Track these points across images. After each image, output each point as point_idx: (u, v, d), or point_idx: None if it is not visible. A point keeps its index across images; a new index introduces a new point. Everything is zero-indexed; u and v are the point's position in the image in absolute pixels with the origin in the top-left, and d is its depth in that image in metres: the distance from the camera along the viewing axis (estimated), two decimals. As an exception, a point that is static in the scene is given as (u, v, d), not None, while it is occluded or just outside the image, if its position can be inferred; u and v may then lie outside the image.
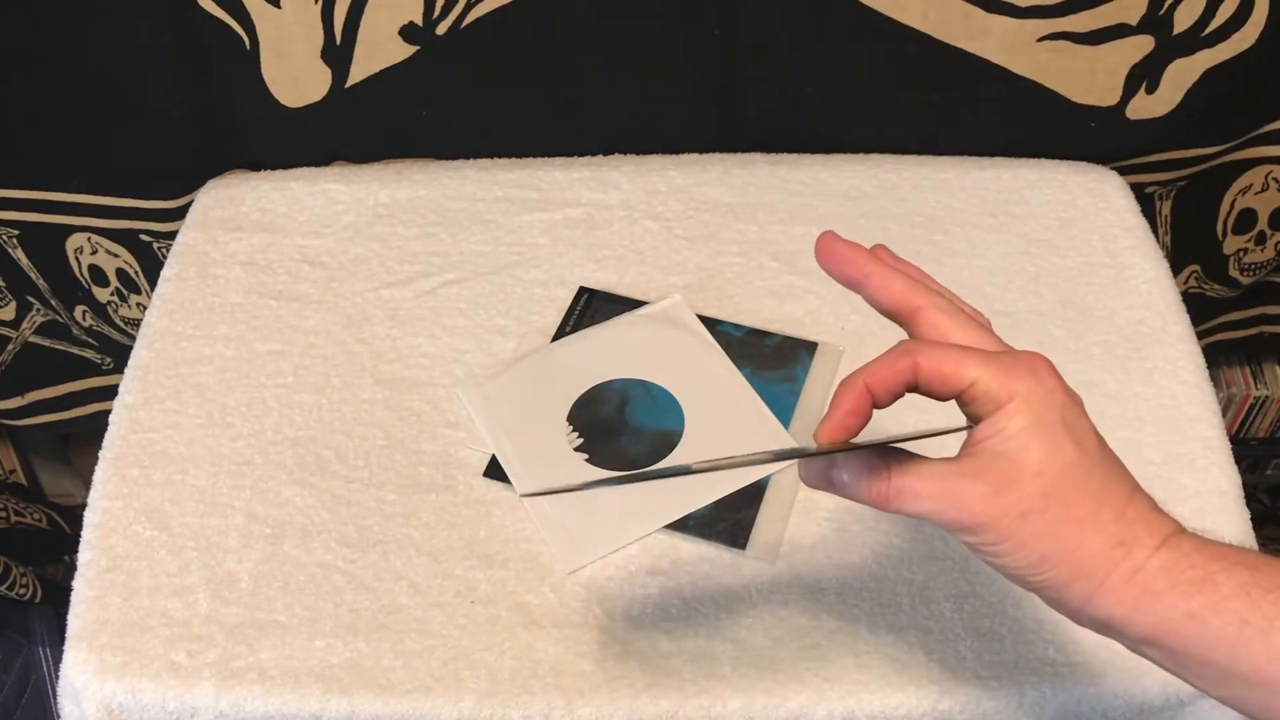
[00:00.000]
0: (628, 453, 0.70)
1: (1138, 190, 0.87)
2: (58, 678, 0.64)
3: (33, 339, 1.05)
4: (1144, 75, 0.82)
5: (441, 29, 0.80)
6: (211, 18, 0.79)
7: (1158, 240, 0.83)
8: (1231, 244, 0.96)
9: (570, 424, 0.72)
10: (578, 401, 0.73)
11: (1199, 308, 1.00)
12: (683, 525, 0.66)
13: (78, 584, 0.65)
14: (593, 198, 0.85)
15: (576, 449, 0.70)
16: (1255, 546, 0.64)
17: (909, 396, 0.45)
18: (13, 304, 1.02)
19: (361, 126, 0.88)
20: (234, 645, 0.62)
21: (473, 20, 0.80)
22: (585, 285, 0.80)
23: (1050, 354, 0.45)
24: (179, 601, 0.64)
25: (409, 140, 0.89)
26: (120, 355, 1.01)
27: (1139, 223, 0.83)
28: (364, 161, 0.90)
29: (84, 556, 0.66)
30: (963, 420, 0.45)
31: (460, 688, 0.60)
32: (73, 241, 0.95)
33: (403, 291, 0.80)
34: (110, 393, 0.76)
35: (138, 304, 1.00)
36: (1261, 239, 0.95)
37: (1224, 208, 0.94)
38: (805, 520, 0.67)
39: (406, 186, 0.87)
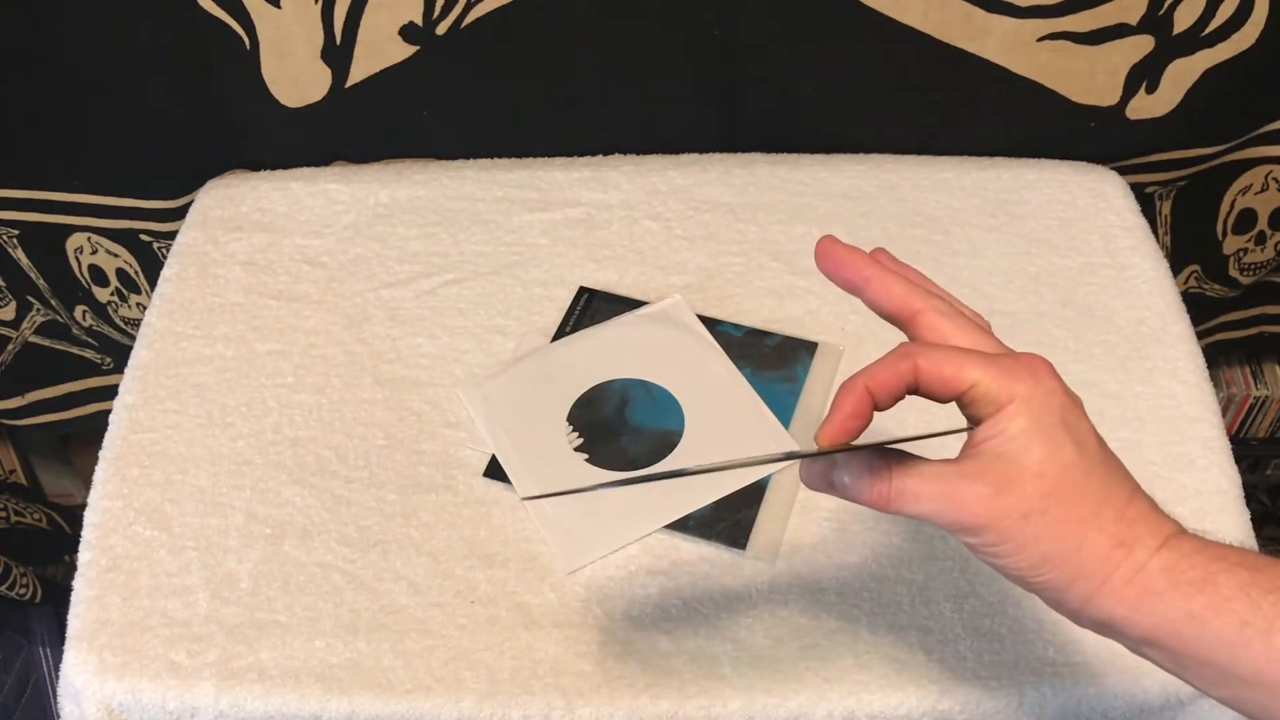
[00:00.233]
0: (628, 453, 0.70)
1: (1138, 190, 0.87)
2: (58, 678, 0.64)
3: (33, 339, 1.05)
4: (1144, 75, 0.82)
5: (441, 29, 0.80)
6: (211, 18, 0.79)
7: (1158, 240, 0.83)
8: (1231, 244, 0.96)
9: (570, 424, 0.72)
10: (578, 401, 0.73)
11: (1199, 308, 1.00)
12: (683, 525, 0.66)
13: (78, 584, 0.65)
14: (593, 198, 0.85)
15: (576, 449, 0.70)
16: (1255, 546, 0.64)
17: (909, 398, 0.45)
18: (13, 304, 1.02)
19: (361, 126, 0.88)
20: (234, 645, 0.62)
21: (473, 20, 0.80)
22: (585, 285, 0.80)
23: (1050, 354, 0.45)
24: (179, 601, 0.64)
25: (409, 140, 0.89)
26: (120, 355, 1.01)
27: (1139, 223, 0.83)
28: (364, 161, 0.90)
29: (84, 556, 0.66)
30: (963, 422, 0.45)
31: (460, 688, 0.60)
32: (73, 241, 0.95)
33: (403, 291, 0.80)
34: (110, 393, 0.76)
35: (138, 304, 1.00)
36: (1261, 239, 0.95)
37: (1224, 208, 0.94)
38: (805, 520, 0.67)
39: (406, 186, 0.87)
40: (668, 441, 0.71)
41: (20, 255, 0.96)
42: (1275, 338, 1.07)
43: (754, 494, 0.68)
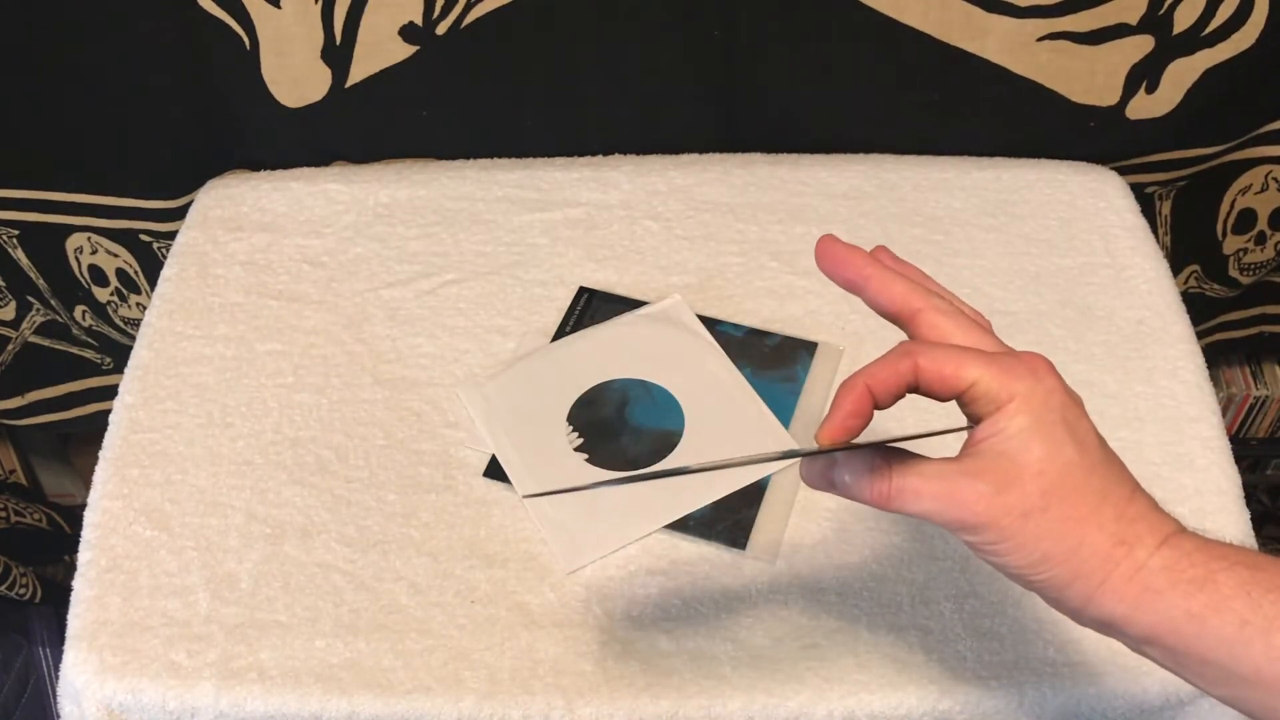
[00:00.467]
0: (628, 453, 0.70)
1: (1138, 190, 0.87)
2: (58, 678, 0.64)
3: (33, 339, 1.05)
4: (1144, 75, 0.82)
5: (441, 29, 0.80)
6: (211, 18, 0.79)
7: (1158, 240, 0.83)
8: (1231, 244, 0.96)
9: (570, 424, 0.72)
10: (578, 401, 0.73)
11: (1199, 308, 1.00)
12: (683, 525, 0.66)
13: (78, 584, 0.65)
14: (593, 198, 0.85)
15: (576, 449, 0.70)
16: (1255, 546, 0.64)
17: (909, 396, 0.45)
18: (13, 304, 1.02)
19: (361, 126, 0.88)
20: (234, 645, 0.62)
21: (473, 20, 0.80)
22: (585, 285, 0.80)
23: (1050, 354, 0.45)
24: (179, 601, 0.64)
25: (409, 140, 0.89)
26: (120, 355, 1.01)
27: (1139, 223, 0.83)
28: (364, 161, 0.90)
29: (84, 556, 0.66)
30: (963, 420, 0.45)
31: (460, 688, 0.60)
32: (73, 241, 0.95)
33: (403, 291, 0.80)
34: (110, 393, 0.76)
35: (138, 304, 1.00)
36: (1261, 239, 0.95)
37: (1224, 208, 0.94)
38: (805, 520, 0.67)
39: (406, 186, 0.87)
40: (668, 441, 0.71)
41: (20, 255, 0.96)
42: (1275, 338, 1.07)
43: (754, 494, 0.68)
